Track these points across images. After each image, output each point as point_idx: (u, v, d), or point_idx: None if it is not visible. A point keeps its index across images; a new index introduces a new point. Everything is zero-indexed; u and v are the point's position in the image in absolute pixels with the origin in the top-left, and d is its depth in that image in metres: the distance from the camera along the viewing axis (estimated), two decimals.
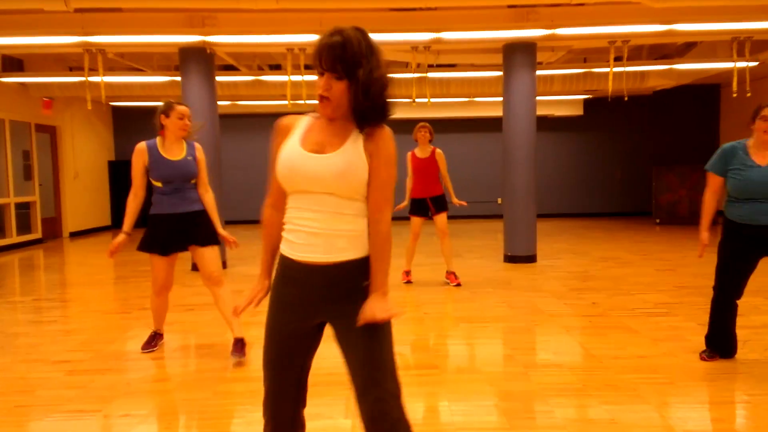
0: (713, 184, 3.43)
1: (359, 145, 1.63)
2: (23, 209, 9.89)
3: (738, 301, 3.46)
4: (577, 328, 4.27)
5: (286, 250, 1.70)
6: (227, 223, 7.41)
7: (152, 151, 3.60)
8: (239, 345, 3.74)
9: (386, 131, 1.66)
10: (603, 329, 4.23)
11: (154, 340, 3.97)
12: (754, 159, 3.24)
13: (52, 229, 10.80)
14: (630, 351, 3.72)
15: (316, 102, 1.66)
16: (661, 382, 3.17)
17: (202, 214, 3.72)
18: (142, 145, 3.62)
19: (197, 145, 3.76)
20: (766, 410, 2.80)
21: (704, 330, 4.11)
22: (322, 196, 1.62)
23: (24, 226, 9.90)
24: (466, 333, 4.19)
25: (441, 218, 5.85)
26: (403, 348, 3.96)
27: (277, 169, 1.67)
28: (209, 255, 3.70)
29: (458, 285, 5.84)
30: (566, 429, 2.63)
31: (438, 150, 5.89)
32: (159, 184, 3.62)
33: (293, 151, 1.64)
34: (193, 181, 3.69)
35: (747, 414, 2.78)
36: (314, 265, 1.65)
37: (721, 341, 3.50)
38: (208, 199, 3.75)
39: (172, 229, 3.65)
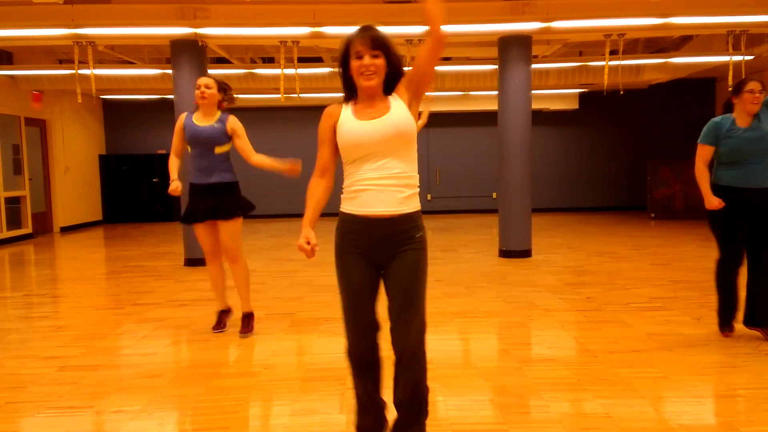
0: (705, 155, 3.72)
1: (400, 103, 2.09)
2: (13, 204, 9.80)
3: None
4: (572, 323, 4.27)
5: (349, 207, 2.11)
6: None
7: (187, 117, 3.96)
8: (246, 320, 4.10)
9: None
10: (598, 324, 4.23)
11: (221, 321, 4.17)
12: (740, 126, 3.64)
13: (43, 224, 10.71)
14: (625, 345, 3.72)
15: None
16: (655, 377, 3.17)
17: (226, 188, 3.94)
18: (183, 114, 4.00)
19: (231, 117, 3.98)
20: (760, 404, 2.80)
21: (699, 324, 4.13)
22: (384, 159, 2.04)
23: (14, 221, 9.81)
24: (460, 328, 4.18)
25: None
26: None
27: (340, 142, 2.09)
28: (227, 230, 3.92)
29: None
30: (561, 423, 2.63)
31: None
32: (189, 149, 3.94)
33: (353, 123, 2.06)
34: (218, 151, 3.88)
35: (741, 408, 2.78)
36: (379, 217, 2.05)
37: (732, 309, 3.82)
38: (256, 159, 3.90)
39: (200, 199, 3.92)
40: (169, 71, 7.64)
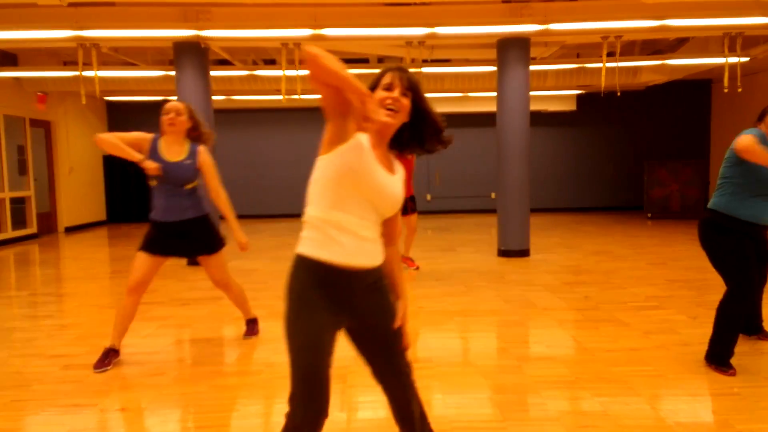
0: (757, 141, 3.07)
1: (401, 172, 1.91)
2: (18, 204, 9.84)
3: None
4: (569, 322, 4.31)
5: (325, 255, 1.75)
6: (221, 218, 7.40)
7: (153, 145, 3.51)
8: (251, 325, 4.08)
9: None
10: (595, 322, 4.26)
11: (107, 357, 3.52)
12: None
13: (47, 224, 10.75)
14: (622, 344, 3.75)
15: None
16: (652, 375, 3.20)
17: (199, 223, 3.60)
18: (149, 135, 3.55)
19: (201, 149, 3.60)
20: (756, 402, 2.83)
21: (695, 323, 4.15)
22: (372, 209, 1.78)
23: (19, 221, 9.85)
24: (460, 326, 4.22)
25: (413, 218, 6.28)
26: None
27: (351, 165, 1.71)
28: (213, 263, 3.74)
29: (417, 268, 6.41)
30: (559, 421, 2.66)
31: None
32: (153, 183, 3.52)
33: (375, 166, 1.76)
34: (188, 187, 3.54)
35: (737, 406, 2.80)
36: (357, 269, 1.78)
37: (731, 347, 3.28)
38: (221, 203, 3.64)
39: (168, 238, 3.56)
40: (172, 73, 7.69)
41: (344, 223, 1.74)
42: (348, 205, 1.74)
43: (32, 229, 10.16)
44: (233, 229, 3.61)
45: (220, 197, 3.64)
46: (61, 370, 3.45)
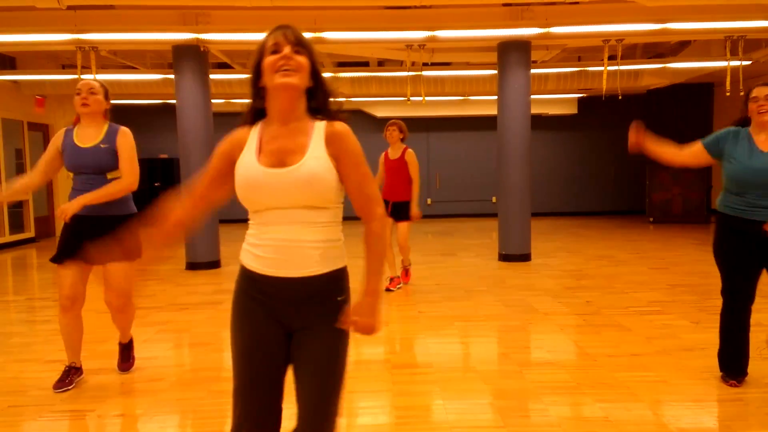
0: (695, 150, 3.41)
1: (322, 149, 1.56)
2: (16, 208, 9.82)
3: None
4: (571, 327, 4.29)
5: (251, 263, 1.62)
6: (220, 222, 7.37)
7: (67, 135, 3.13)
8: (126, 352, 3.56)
9: (344, 128, 1.60)
10: (597, 327, 4.24)
11: (68, 377, 3.26)
12: (758, 146, 3.02)
13: (45, 228, 10.73)
14: (624, 349, 3.73)
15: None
16: (654, 380, 3.18)
17: (125, 221, 3.18)
18: (62, 130, 3.21)
19: (122, 130, 3.19)
20: (758, 408, 2.82)
21: (698, 328, 4.14)
22: (290, 210, 1.56)
23: (17, 225, 9.84)
24: (460, 331, 4.20)
25: (403, 227, 5.42)
26: (397, 346, 3.96)
27: (236, 188, 1.60)
28: (124, 272, 3.21)
29: (405, 283, 5.80)
30: (560, 427, 2.64)
31: (409, 150, 5.37)
32: (70, 173, 3.15)
33: (251, 168, 1.56)
34: (110, 176, 3.12)
35: (740, 412, 2.79)
36: (284, 279, 1.57)
37: (734, 358, 3.11)
38: (115, 183, 3.13)
39: (84, 236, 3.10)
40: (171, 76, 7.68)
41: (262, 234, 1.60)
42: (259, 216, 1.60)
43: (30, 233, 10.15)
44: (81, 198, 3.04)
45: (120, 181, 3.13)
46: (58, 376, 3.40)
